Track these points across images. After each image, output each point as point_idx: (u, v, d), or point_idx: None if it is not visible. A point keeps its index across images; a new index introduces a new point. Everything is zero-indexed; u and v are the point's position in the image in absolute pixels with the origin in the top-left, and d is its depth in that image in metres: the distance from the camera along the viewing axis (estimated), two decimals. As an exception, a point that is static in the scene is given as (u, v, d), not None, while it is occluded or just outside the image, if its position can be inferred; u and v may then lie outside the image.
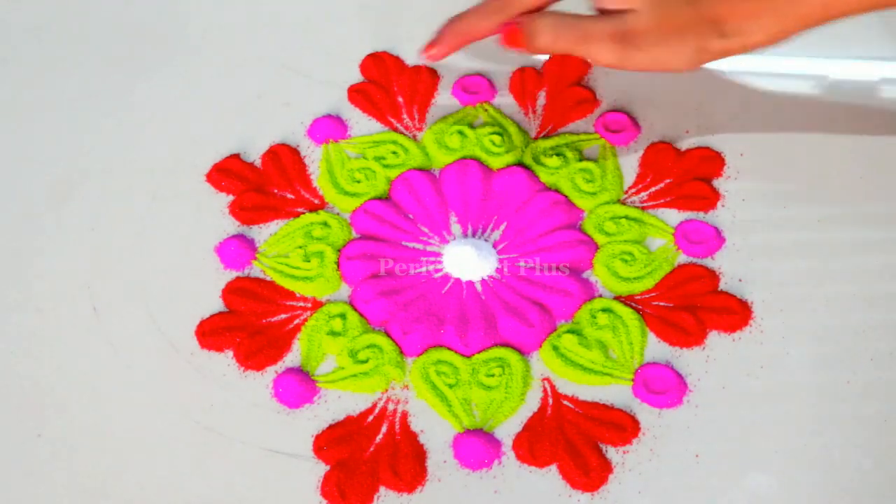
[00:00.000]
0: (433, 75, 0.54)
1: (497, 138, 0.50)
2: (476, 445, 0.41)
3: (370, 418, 0.42)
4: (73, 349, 0.44)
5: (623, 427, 0.41)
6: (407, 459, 0.40)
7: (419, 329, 0.44)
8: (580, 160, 0.50)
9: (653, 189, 0.49)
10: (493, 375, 0.43)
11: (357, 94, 0.53)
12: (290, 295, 0.46)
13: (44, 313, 0.45)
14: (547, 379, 0.43)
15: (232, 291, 0.46)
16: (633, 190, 0.49)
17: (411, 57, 0.54)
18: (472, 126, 0.51)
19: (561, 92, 0.53)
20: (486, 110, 0.52)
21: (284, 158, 0.50)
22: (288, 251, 0.47)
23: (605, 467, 0.40)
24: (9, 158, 0.51)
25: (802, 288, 0.45)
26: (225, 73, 0.52)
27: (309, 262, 0.46)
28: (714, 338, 0.44)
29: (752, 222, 0.47)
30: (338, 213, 0.49)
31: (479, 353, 0.44)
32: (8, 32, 0.56)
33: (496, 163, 0.50)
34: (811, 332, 0.44)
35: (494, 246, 0.47)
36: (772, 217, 0.48)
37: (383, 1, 0.57)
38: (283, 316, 0.45)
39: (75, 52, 0.55)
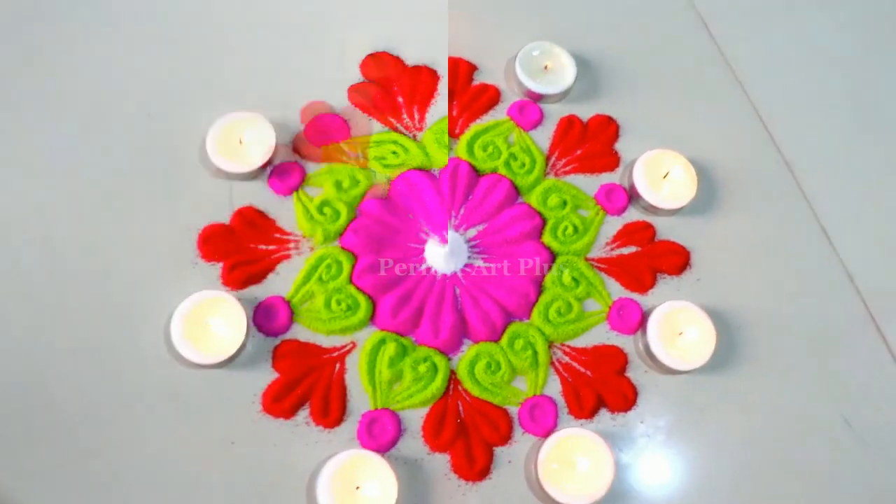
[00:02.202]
0: (433, 75, 0.54)
1: (527, 161, 0.52)
2: (382, 422, 0.45)
3: (333, 355, 0.46)
4: (76, 349, 0.44)
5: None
6: (336, 402, 0.45)
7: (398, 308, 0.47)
8: (575, 212, 0.52)
9: (616, 253, 0.51)
10: (423, 369, 0.46)
11: (357, 94, 0.53)
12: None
13: (44, 313, 0.45)
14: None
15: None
16: (605, 248, 0.52)
17: (411, 57, 0.54)
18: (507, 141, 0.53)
19: (596, 149, 0.54)
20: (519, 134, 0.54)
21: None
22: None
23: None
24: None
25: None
26: (225, 73, 0.52)
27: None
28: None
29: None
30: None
31: (430, 347, 0.47)
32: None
33: (521, 181, 0.52)
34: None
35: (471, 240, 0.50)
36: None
37: (383, 1, 0.57)
38: (274, 247, 0.48)
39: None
